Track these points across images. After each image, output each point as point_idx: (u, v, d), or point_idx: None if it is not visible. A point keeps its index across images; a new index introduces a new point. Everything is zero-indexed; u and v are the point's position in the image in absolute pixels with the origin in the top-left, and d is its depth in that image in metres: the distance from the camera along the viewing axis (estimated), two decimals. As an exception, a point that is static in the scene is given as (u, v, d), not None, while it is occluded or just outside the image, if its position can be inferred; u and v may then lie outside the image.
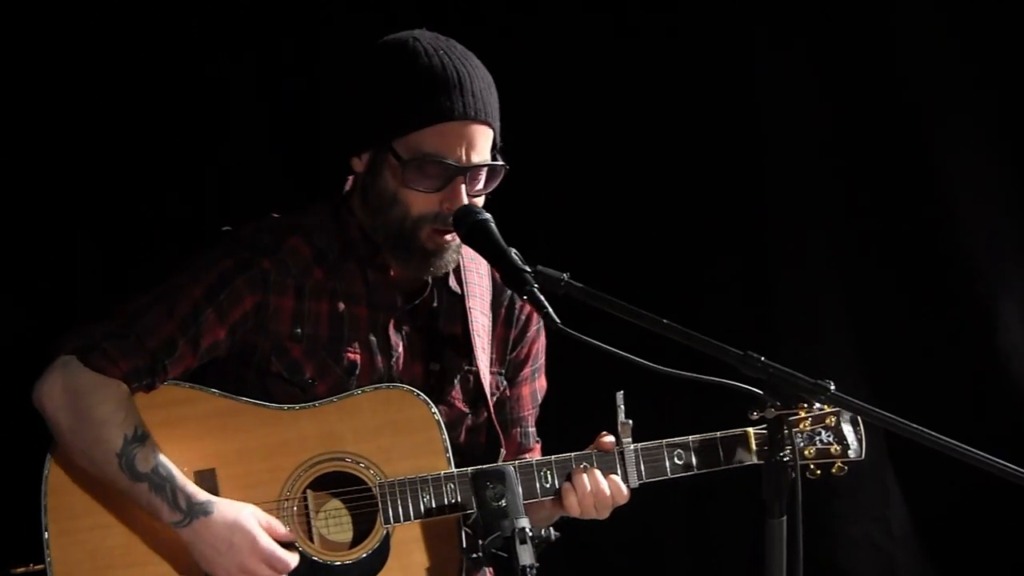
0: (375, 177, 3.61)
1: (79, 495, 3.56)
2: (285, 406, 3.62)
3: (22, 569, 3.64)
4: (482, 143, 3.58)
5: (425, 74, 3.55)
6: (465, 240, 3.53)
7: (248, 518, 3.53)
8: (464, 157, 3.56)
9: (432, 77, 3.55)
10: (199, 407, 3.61)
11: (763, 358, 3.13)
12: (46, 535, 3.55)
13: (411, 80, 3.55)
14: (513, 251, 3.43)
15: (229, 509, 3.53)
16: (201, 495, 3.53)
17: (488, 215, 3.51)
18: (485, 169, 3.59)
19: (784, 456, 3.14)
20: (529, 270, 3.36)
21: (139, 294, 3.62)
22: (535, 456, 3.88)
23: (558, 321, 3.27)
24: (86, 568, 3.55)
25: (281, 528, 3.57)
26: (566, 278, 3.32)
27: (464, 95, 3.56)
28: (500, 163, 3.61)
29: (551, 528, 3.40)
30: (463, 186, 3.55)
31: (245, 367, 3.66)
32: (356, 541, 3.61)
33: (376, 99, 3.58)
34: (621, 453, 3.67)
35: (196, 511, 3.52)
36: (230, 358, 3.65)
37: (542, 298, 3.31)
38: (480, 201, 3.61)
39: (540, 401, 3.92)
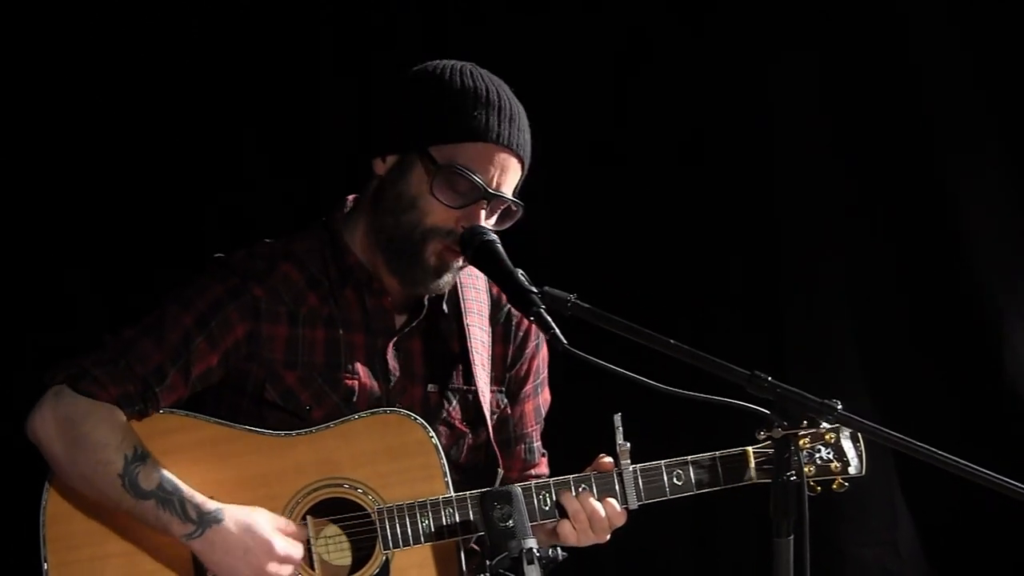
0: (397, 179, 3.56)
1: (78, 525, 3.51)
2: (282, 432, 3.58)
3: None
4: (512, 177, 3.58)
5: (479, 94, 3.54)
6: (472, 261, 3.52)
7: (261, 521, 3.50)
8: (494, 182, 3.55)
9: (486, 98, 3.54)
10: (195, 435, 3.57)
11: (770, 378, 3.13)
12: (45, 566, 3.50)
13: (463, 94, 3.54)
14: (520, 272, 3.44)
15: (241, 514, 3.50)
16: (210, 504, 3.49)
17: (495, 236, 3.51)
18: (505, 205, 3.56)
19: (790, 476, 3.14)
20: (536, 291, 3.36)
21: (129, 324, 3.58)
22: (541, 470, 3.88)
23: (564, 342, 3.29)
24: (87, 599, 3.51)
25: (293, 528, 3.53)
26: (573, 299, 3.32)
27: (511, 125, 3.56)
28: (520, 203, 3.59)
29: (558, 548, 3.41)
30: (483, 211, 3.54)
31: (239, 395, 3.62)
32: (356, 567, 3.58)
33: (419, 103, 3.56)
34: (619, 474, 3.64)
35: (208, 520, 3.47)
36: (223, 386, 3.62)
37: (549, 319, 3.33)
38: None
39: (544, 415, 3.90)
